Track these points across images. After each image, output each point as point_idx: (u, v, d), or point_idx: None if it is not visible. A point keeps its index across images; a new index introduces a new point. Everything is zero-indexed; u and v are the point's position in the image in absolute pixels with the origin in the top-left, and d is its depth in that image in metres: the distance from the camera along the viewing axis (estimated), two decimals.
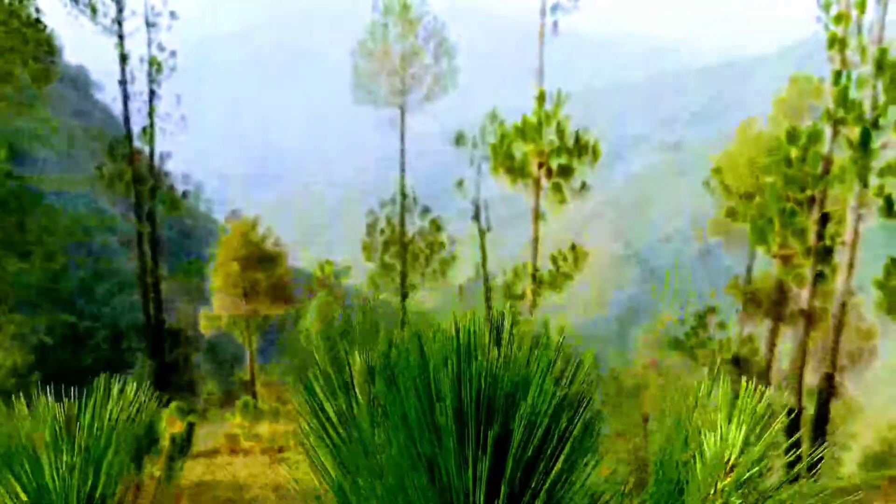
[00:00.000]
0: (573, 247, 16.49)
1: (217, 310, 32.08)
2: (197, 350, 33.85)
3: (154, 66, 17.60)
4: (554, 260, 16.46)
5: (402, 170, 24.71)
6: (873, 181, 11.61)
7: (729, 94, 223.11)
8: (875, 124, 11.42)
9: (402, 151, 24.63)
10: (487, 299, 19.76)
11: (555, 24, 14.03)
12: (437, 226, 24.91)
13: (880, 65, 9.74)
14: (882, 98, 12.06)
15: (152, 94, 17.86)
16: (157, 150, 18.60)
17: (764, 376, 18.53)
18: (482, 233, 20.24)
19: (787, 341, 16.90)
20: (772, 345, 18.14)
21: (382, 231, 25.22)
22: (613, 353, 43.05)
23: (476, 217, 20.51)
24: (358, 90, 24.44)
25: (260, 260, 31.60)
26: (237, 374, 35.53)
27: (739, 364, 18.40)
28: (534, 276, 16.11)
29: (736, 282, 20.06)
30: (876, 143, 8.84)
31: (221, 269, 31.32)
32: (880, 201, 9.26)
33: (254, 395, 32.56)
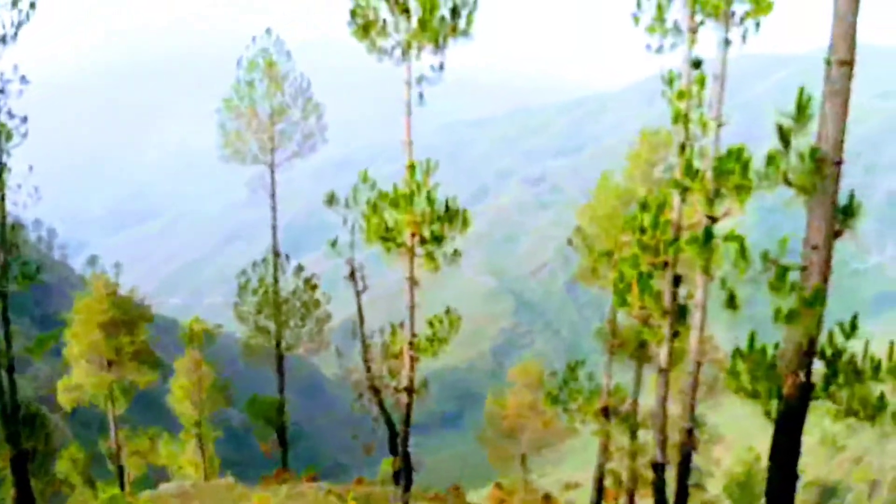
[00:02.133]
0: (448, 311, 16.63)
1: (78, 378, 29.51)
2: (56, 429, 31.00)
3: (3, 134, 16.19)
4: (430, 324, 16.51)
5: (274, 228, 24.12)
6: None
7: (587, 127, 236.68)
8: (717, 193, 12.32)
9: (274, 209, 24.07)
10: (365, 360, 19.47)
11: (420, 94, 14.20)
12: (311, 285, 24.44)
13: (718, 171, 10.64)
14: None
15: (2, 166, 16.38)
16: (10, 222, 16.99)
17: (632, 425, 19.45)
18: (358, 294, 19.97)
19: (652, 390, 17.80)
20: (637, 394, 19.11)
21: (255, 291, 24.41)
22: (491, 392, 43.76)
23: (351, 277, 20.23)
24: (224, 148, 23.71)
25: (125, 323, 29.51)
26: (102, 442, 32.87)
27: (608, 415, 19.21)
28: (411, 343, 16.05)
29: (602, 330, 20.99)
30: (717, 237, 9.65)
31: (82, 335, 28.89)
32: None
33: (120, 470, 30.22)
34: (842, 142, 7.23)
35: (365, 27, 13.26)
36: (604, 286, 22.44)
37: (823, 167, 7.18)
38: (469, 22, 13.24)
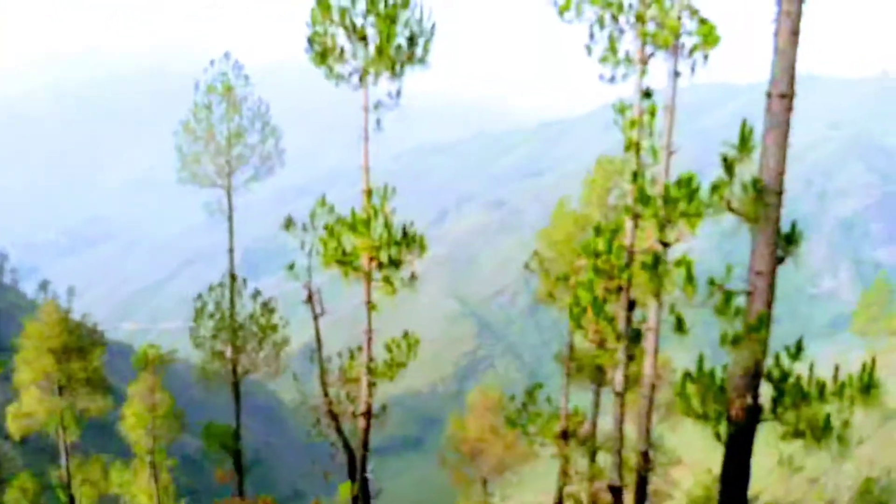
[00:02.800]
0: (406, 335, 16.60)
1: (28, 406, 28.67)
2: (5, 457, 30.07)
3: None
4: (388, 348, 16.45)
5: (231, 252, 23.83)
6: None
7: (548, 153, 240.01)
8: (668, 219, 12.58)
9: (230, 232, 23.80)
10: (323, 385, 19.27)
11: (378, 121, 14.28)
12: (268, 309, 24.13)
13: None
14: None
15: None
16: None
17: (590, 448, 19.56)
18: (316, 318, 19.81)
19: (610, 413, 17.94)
20: (595, 417, 19.25)
21: (211, 316, 24.00)
22: (452, 415, 43.58)
23: (309, 301, 20.06)
24: (182, 171, 23.44)
25: (77, 349, 28.81)
26: (53, 471, 31.84)
27: (567, 437, 19.29)
28: (369, 368, 15.96)
29: (561, 353, 21.15)
30: (668, 263, 9.88)
31: (33, 360, 28.15)
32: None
33: (71, 500, 29.23)
34: (782, 172, 7.48)
35: (322, 54, 13.34)
36: (562, 309, 22.68)
37: (765, 196, 7.41)
38: (426, 50, 13.42)
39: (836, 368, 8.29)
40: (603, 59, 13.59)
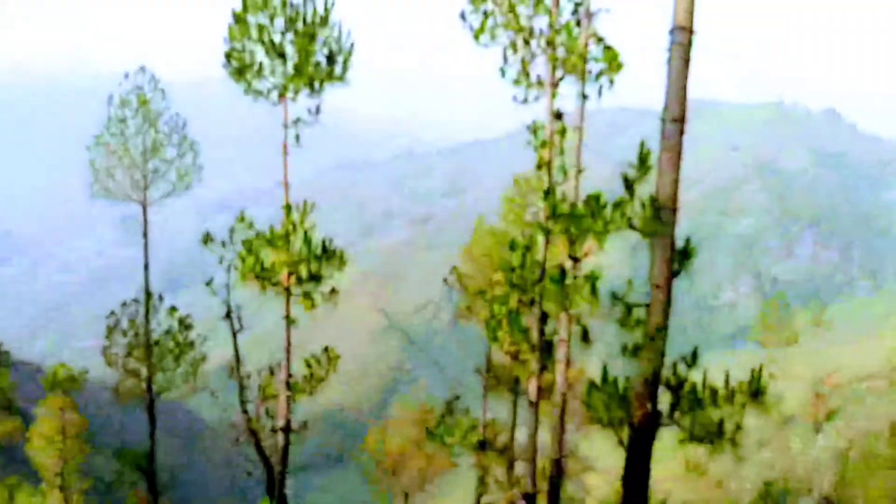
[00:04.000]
0: (326, 350, 16.43)
1: None
2: None
3: None
4: (308, 364, 16.22)
5: (146, 268, 22.98)
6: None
7: (471, 170, 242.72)
8: (577, 236, 12.94)
9: (146, 248, 22.98)
10: (242, 401, 18.79)
11: (297, 137, 14.15)
12: (186, 325, 23.37)
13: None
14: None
15: None
16: None
17: (508, 457, 19.78)
18: (234, 334, 19.33)
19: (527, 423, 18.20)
20: (513, 427, 19.50)
21: (125, 333, 23.03)
22: (375, 429, 43.16)
23: (227, 317, 19.55)
24: (95, 184, 22.51)
25: None
26: None
27: (485, 447, 19.45)
28: (287, 383, 15.67)
29: (479, 366, 21.35)
30: (576, 277, 10.22)
31: None
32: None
33: None
34: (676, 191, 7.86)
35: (240, 70, 13.14)
36: (480, 323, 22.95)
37: (661, 214, 7.77)
38: (345, 68, 13.42)
39: (727, 375, 8.71)
40: (516, 82, 13.95)
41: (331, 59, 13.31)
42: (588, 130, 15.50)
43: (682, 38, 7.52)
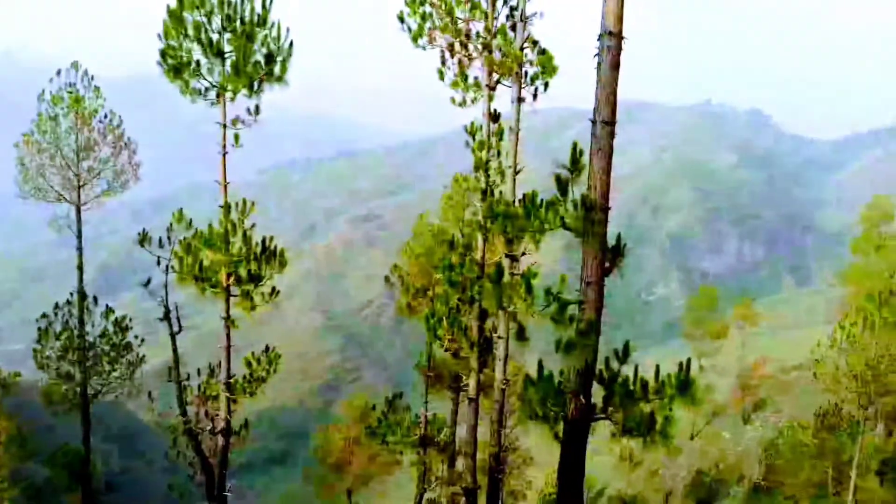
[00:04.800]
0: (267, 350, 16.18)
1: None
2: None
3: None
4: (248, 364, 15.94)
5: (80, 269, 22.16)
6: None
7: (412, 169, 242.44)
8: (514, 235, 13.12)
9: (79, 249, 22.15)
10: (181, 403, 18.35)
11: (236, 136, 13.89)
12: (122, 327, 22.65)
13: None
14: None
15: None
16: None
17: (449, 453, 19.90)
18: (173, 336, 18.86)
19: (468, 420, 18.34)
20: (454, 423, 19.62)
21: (58, 336, 22.15)
22: (318, 428, 42.77)
23: (166, 318, 19.07)
24: (25, 184, 21.56)
25: None
26: None
27: (425, 444, 19.52)
28: (227, 385, 15.37)
29: (420, 363, 21.39)
30: (508, 276, 10.38)
31: None
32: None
33: None
34: (607, 191, 8.08)
35: (176, 68, 12.80)
36: (421, 321, 23.00)
37: (593, 213, 7.97)
38: (284, 69, 13.24)
39: (657, 369, 8.98)
40: (454, 84, 14.07)
41: (269, 59, 13.11)
42: (526, 131, 15.72)
43: (611, 43, 7.73)
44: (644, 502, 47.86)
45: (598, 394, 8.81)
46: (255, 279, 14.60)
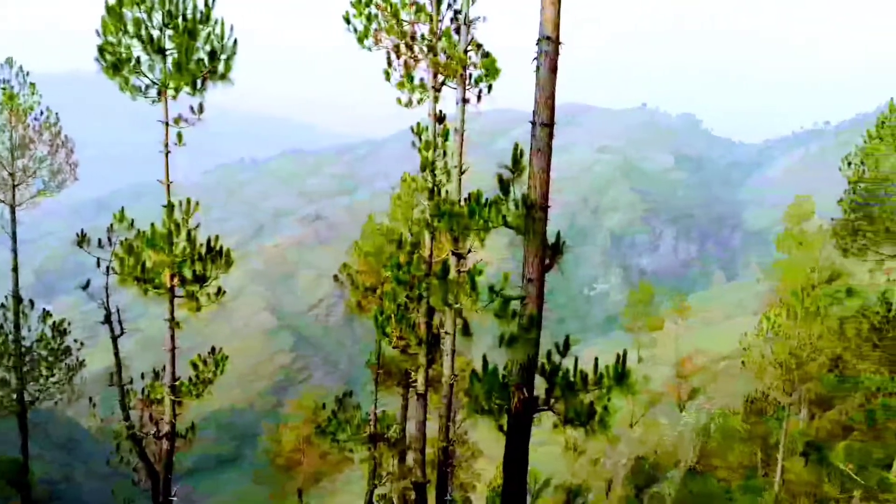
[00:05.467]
0: (213, 350, 15.76)
1: None
2: None
3: None
4: (194, 366, 15.50)
5: (15, 271, 21.16)
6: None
7: (361, 169, 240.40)
8: (460, 233, 13.12)
9: (15, 252, 21.16)
10: (124, 408, 17.71)
11: (179, 135, 13.48)
12: (60, 330, 21.74)
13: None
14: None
15: None
16: None
17: (399, 449, 19.80)
18: (114, 339, 18.18)
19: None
20: (404, 419, 19.52)
21: None
22: (267, 429, 42.03)
23: (107, 321, 18.38)
24: None
25: None
26: None
27: (375, 441, 19.37)
28: (172, 387, 14.91)
29: (370, 361, 21.23)
30: (455, 273, 10.41)
31: None
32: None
33: None
34: (547, 191, 8.14)
35: (115, 65, 12.32)
36: (371, 319, 22.82)
37: (533, 212, 8.03)
38: (228, 67, 12.91)
39: (596, 361, 9.10)
40: (400, 86, 13.99)
41: (213, 56, 12.75)
42: (472, 132, 15.76)
43: (549, 47, 7.80)
44: (588, 489, 48.68)
45: (542, 386, 8.87)
46: (201, 280, 14.20)
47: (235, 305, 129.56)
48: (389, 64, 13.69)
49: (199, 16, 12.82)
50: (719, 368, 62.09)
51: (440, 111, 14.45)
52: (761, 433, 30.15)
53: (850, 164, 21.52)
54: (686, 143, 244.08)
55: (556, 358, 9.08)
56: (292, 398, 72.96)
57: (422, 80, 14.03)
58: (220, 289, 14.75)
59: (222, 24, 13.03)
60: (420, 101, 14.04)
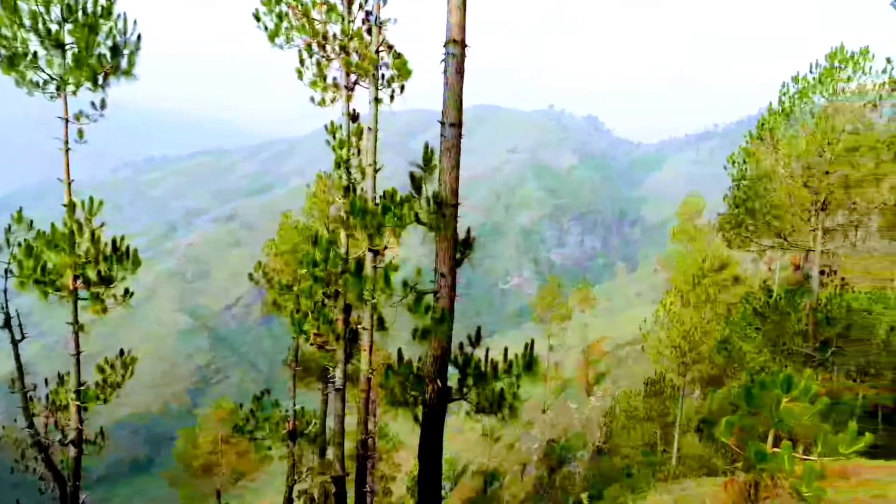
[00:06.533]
0: (121, 353, 14.98)
1: None
2: None
3: None
4: (101, 370, 14.68)
5: None
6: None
7: (277, 168, 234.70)
8: (378, 229, 13.02)
9: None
10: (27, 415, 16.58)
11: (80, 132, 12.70)
12: None
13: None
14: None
15: None
16: None
17: (319, 444, 19.48)
18: (15, 344, 16.97)
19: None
20: (325, 414, 19.22)
21: None
22: (182, 431, 40.35)
23: (6, 326, 17.14)
24: None
25: None
26: None
27: (294, 438, 19.00)
28: (78, 393, 14.07)
29: (288, 359, 20.79)
30: (369, 267, 10.34)
31: None
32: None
33: None
34: (457, 188, 8.21)
35: (10, 59, 11.47)
36: (288, 317, 22.36)
37: (443, 209, 8.07)
38: (131, 63, 12.26)
39: (506, 350, 9.28)
40: (313, 84, 13.71)
41: (115, 51, 12.08)
42: (389, 132, 15.67)
43: (455, 50, 7.85)
44: (504, 473, 49.61)
45: (457, 377, 8.95)
46: (106, 281, 13.45)
47: (149, 307, 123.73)
48: (302, 63, 13.40)
49: (100, 10, 12.12)
50: (623, 354, 64.69)
51: (354, 110, 14.28)
52: (660, 412, 31.63)
53: (734, 163, 22.79)
54: (590, 143, 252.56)
55: (468, 349, 9.19)
56: (210, 399, 70.54)
57: (335, 79, 13.81)
58: (127, 290, 14.03)
59: (125, 19, 12.38)
60: (333, 100, 13.81)
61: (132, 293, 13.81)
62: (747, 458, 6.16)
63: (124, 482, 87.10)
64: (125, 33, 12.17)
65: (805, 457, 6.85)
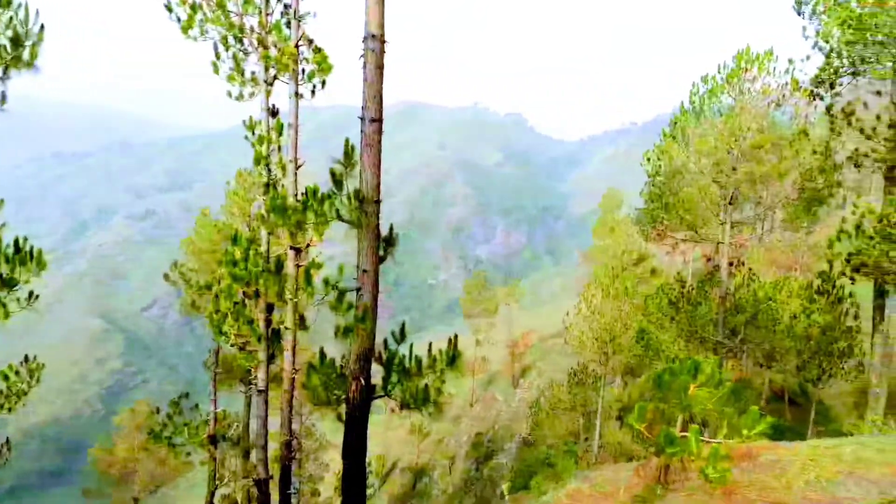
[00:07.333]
0: (26, 359, 14.18)
1: None
2: None
3: None
4: (5, 377, 13.84)
5: None
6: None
7: (196, 164, 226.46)
8: (300, 226, 12.82)
9: None
10: None
11: None
12: None
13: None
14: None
15: None
16: None
17: (242, 448, 19.04)
18: None
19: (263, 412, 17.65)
20: (247, 417, 18.76)
21: None
22: (97, 440, 38.56)
23: None
24: None
25: None
26: None
27: (216, 442, 18.49)
28: None
29: (208, 361, 20.19)
30: (290, 265, 10.18)
31: None
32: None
33: None
34: (378, 184, 8.20)
35: None
36: (207, 318, 21.70)
37: (365, 206, 8.05)
38: (34, 54, 11.55)
39: (430, 346, 9.35)
40: (230, 79, 13.34)
41: (16, 43, 11.35)
42: (310, 127, 15.44)
43: (374, 45, 7.84)
44: (433, 469, 49.88)
45: (381, 374, 8.95)
46: (8, 284, 12.67)
47: (58, 310, 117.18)
48: (217, 56, 13.00)
49: None
50: (548, 346, 66.19)
51: (273, 105, 13.99)
52: (582, 402, 32.60)
53: (649, 159, 23.73)
54: (513, 140, 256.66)
55: (392, 346, 9.21)
56: (125, 405, 67.56)
57: (253, 73, 13.48)
58: (31, 293, 13.27)
59: (27, 8, 11.65)
60: (252, 94, 13.48)
61: (37, 296, 13.07)
62: (658, 442, 6.49)
63: (34, 493, 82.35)
64: (27, 24, 11.45)
65: (711, 440, 7.26)
